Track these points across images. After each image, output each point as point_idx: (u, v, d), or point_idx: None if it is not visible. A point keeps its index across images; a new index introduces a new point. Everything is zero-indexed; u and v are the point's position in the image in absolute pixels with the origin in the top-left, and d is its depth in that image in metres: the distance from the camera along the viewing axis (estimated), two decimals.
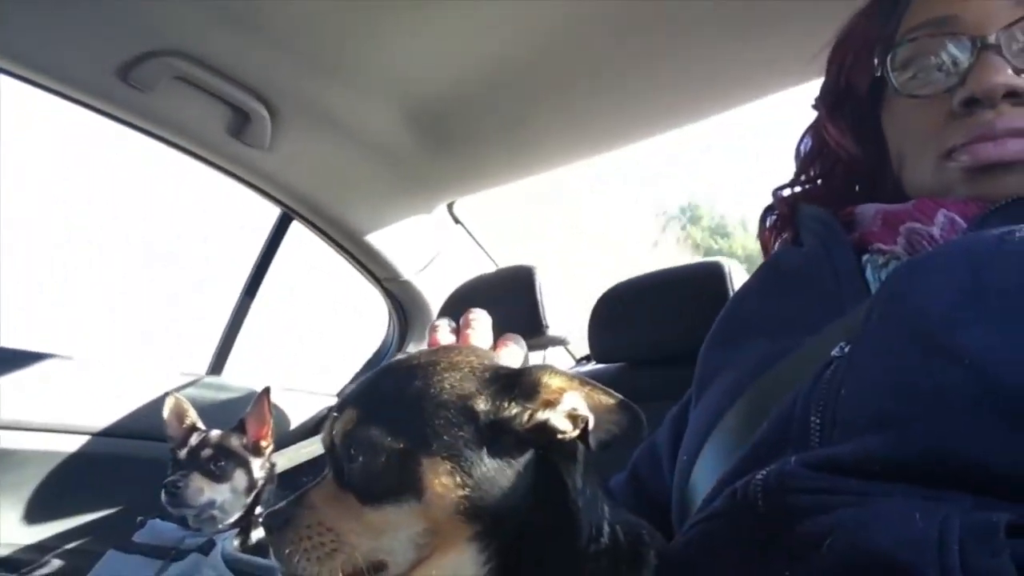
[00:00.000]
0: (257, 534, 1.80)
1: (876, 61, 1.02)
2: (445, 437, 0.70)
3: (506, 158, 2.35)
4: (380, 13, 1.71)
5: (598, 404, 0.73)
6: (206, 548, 1.57)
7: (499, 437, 0.71)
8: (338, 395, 2.89)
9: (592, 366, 2.18)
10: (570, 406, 0.73)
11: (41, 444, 2.18)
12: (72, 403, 2.26)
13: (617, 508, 0.81)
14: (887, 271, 0.91)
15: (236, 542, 1.63)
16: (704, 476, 0.93)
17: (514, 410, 0.72)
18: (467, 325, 0.92)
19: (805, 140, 1.19)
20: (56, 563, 2.05)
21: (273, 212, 2.64)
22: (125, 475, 2.30)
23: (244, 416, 1.94)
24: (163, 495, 1.76)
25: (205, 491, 1.78)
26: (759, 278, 1.13)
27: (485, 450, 0.70)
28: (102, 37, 1.83)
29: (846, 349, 0.79)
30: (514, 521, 0.71)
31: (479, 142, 2.27)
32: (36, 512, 2.19)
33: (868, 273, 0.92)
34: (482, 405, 0.72)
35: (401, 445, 0.70)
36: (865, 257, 0.95)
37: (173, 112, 2.04)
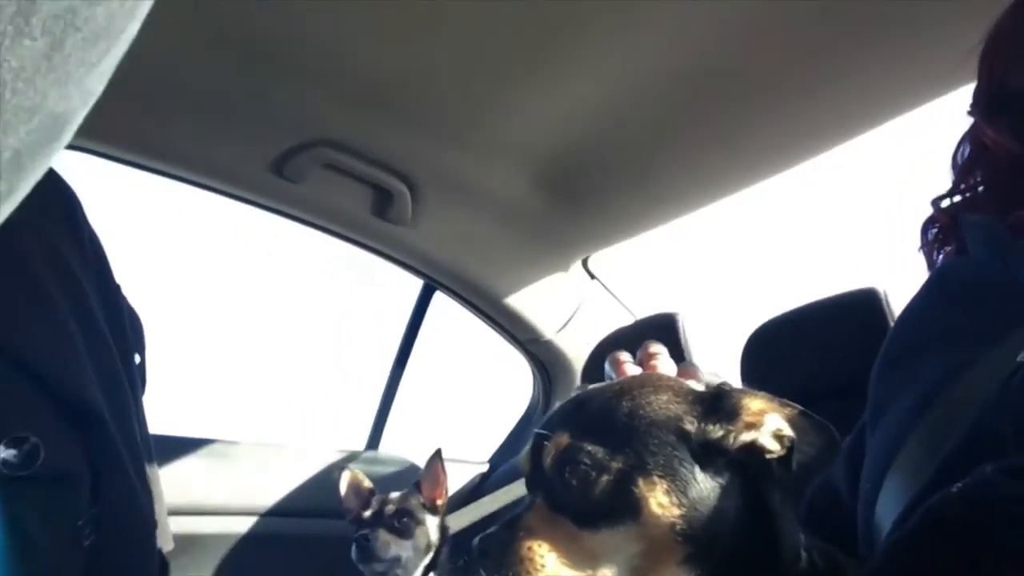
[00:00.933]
0: None
1: None
2: (660, 457, 0.70)
3: (635, 209, 2.36)
4: (509, 81, 1.78)
5: (796, 423, 0.73)
6: None
7: (710, 457, 0.72)
8: (489, 461, 2.92)
9: None
10: (775, 426, 0.73)
11: (213, 527, 2.31)
12: (241, 486, 2.41)
13: (812, 535, 0.79)
14: None
15: None
16: (891, 502, 0.88)
17: (720, 432, 0.72)
18: (650, 357, 0.92)
19: (962, 148, 1.14)
20: None
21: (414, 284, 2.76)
22: (294, 553, 2.40)
23: (419, 478, 2.02)
24: (354, 550, 1.84)
25: (392, 546, 1.85)
26: (926, 294, 1.07)
27: (698, 470, 0.71)
28: (257, 135, 2.00)
29: None
30: (723, 544, 0.70)
31: (607, 195, 2.29)
32: None
33: None
34: (690, 426, 0.73)
35: (618, 465, 0.70)
36: None
37: (322, 199, 2.19)
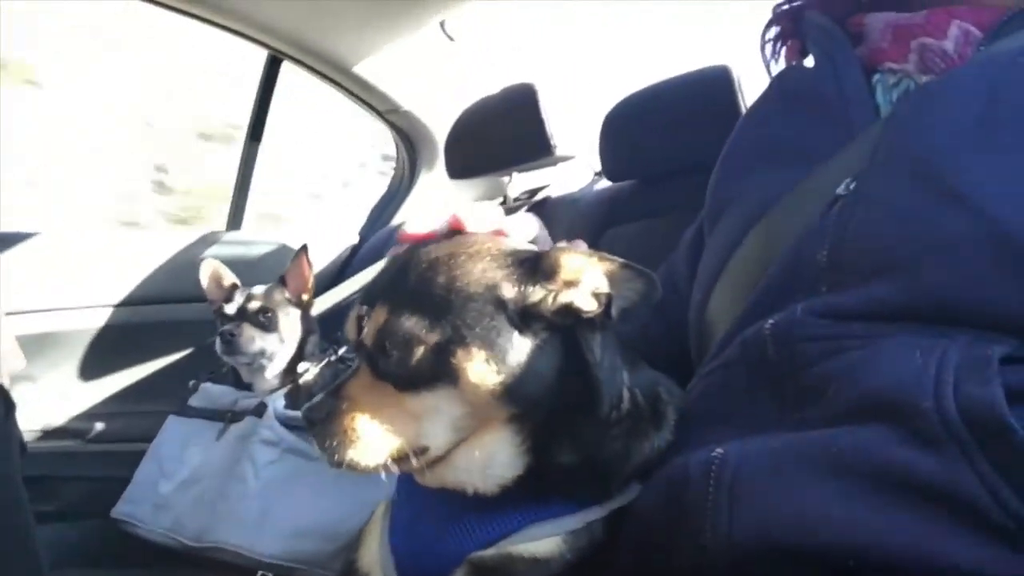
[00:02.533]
0: (306, 379, 1.90)
1: None
2: (477, 328, 0.71)
3: None
4: None
5: (615, 276, 0.73)
6: (259, 410, 1.66)
7: (527, 322, 0.73)
8: (359, 233, 2.91)
9: (605, 183, 2.14)
10: (592, 285, 0.73)
11: (82, 322, 2.26)
12: (100, 278, 2.33)
13: (635, 367, 0.83)
14: (898, 92, 0.85)
15: (282, 402, 1.72)
16: (717, 315, 0.94)
17: (539, 294, 0.73)
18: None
19: None
20: (113, 426, 2.21)
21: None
22: (165, 340, 2.40)
23: (284, 272, 2.01)
24: (218, 344, 1.86)
25: (256, 340, 1.88)
26: (765, 100, 1.07)
27: (515, 335, 0.72)
28: None
29: (851, 186, 0.77)
30: (545, 401, 0.74)
31: None
32: (88, 383, 2.32)
33: (878, 95, 0.86)
34: (508, 293, 0.73)
35: (436, 338, 0.71)
36: (875, 77, 0.88)
37: None
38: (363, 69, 2.50)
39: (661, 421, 0.82)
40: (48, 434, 2.20)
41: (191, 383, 1.93)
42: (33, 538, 1.22)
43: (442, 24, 2.53)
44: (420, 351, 0.71)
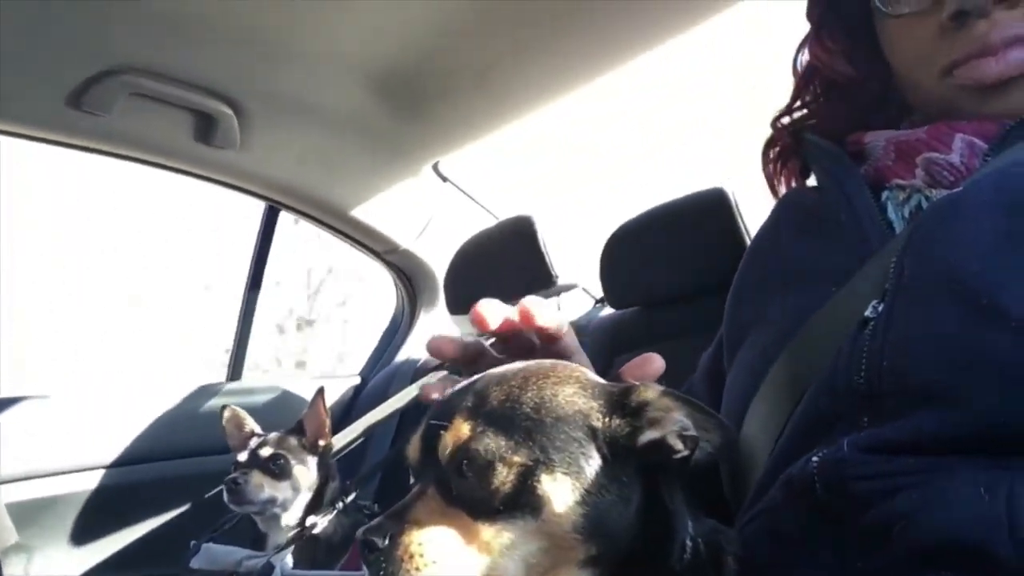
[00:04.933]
0: (322, 529, 1.82)
1: None
2: (566, 454, 0.66)
3: (479, 111, 2.25)
4: None
5: (696, 421, 0.69)
6: (265, 571, 1.58)
7: (616, 456, 0.68)
8: (360, 374, 2.88)
9: (608, 311, 2.14)
10: (679, 425, 0.69)
11: (79, 485, 2.19)
12: (100, 437, 2.26)
13: (698, 517, 0.79)
14: (910, 207, 0.85)
15: (291, 561, 1.64)
16: (755, 434, 0.90)
17: (627, 429, 0.69)
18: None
19: (801, 55, 1.11)
20: None
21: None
22: (167, 497, 2.32)
23: (301, 416, 1.97)
24: (225, 493, 1.79)
25: (265, 488, 1.82)
26: (774, 223, 1.07)
27: (603, 468, 0.67)
28: (44, 67, 1.75)
29: (880, 308, 0.75)
30: (623, 543, 0.68)
31: (449, 99, 2.17)
32: (81, 549, 2.21)
33: (890, 211, 0.86)
34: (597, 423, 0.69)
35: (521, 460, 0.66)
36: (884, 194, 0.88)
37: (135, 129, 1.97)
38: (360, 213, 2.54)
39: (722, 571, 0.76)
40: None
41: (192, 543, 1.84)
42: None
43: (435, 165, 2.61)
44: (504, 474, 0.65)
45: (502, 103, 2.22)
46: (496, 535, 0.66)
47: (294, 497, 1.87)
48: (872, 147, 0.92)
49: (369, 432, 2.13)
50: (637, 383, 0.73)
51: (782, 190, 1.12)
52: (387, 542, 0.66)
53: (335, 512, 1.81)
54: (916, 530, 0.60)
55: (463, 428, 0.68)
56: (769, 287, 0.97)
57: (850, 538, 0.66)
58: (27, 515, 2.05)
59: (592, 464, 0.67)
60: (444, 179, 2.65)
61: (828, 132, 1.01)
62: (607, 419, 0.69)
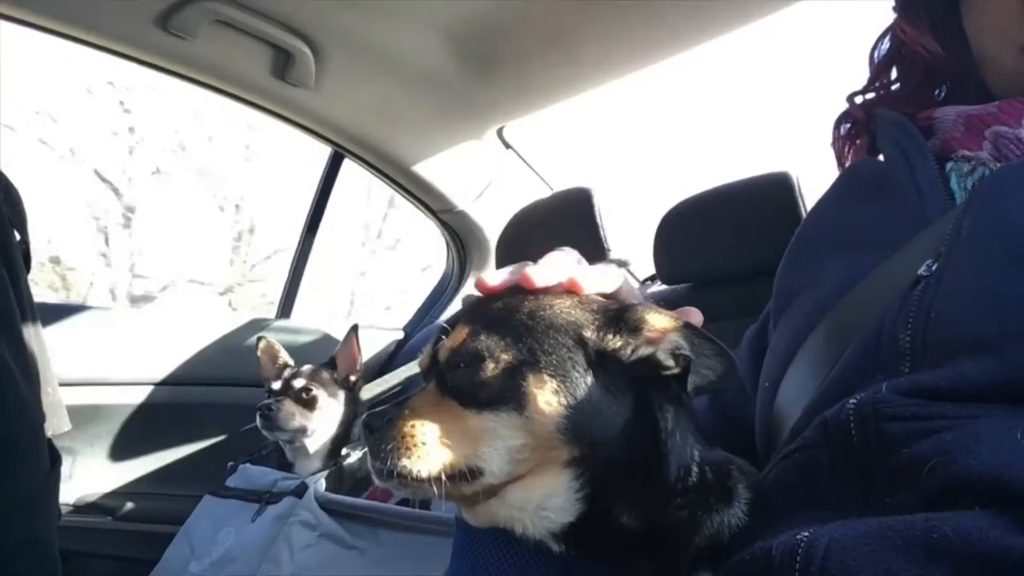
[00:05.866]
0: (350, 463, 1.87)
1: None
2: (554, 357, 0.71)
3: (550, 77, 2.27)
4: None
5: (697, 346, 0.72)
6: (299, 491, 1.62)
7: (605, 366, 0.72)
8: (404, 329, 2.93)
9: (658, 287, 2.14)
10: (674, 344, 0.72)
11: (126, 398, 2.27)
12: (153, 355, 2.35)
13: (709, 447, 0.80)
14: (973, 179, 0.85)
15: (323, 484, 1.68)
16: (790, 398, 0.90)
17: (619, 343, 0.72)
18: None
19: (880, 44, 1.12)
20: (145, 506, 2.18)
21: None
22: (209, 421, 2.39)
23: (335, 352, 2.02)
24: (258, 418, 1.85)
25: (296, 417, 1.88)
26: (836, 191, 1.07)
27: (591, 375, 0.71)
28: None
29: (934, 267, 0.75)
30: (608, 452, 0.72)
31: (524, 63, 2.19)
32: (124, 461, 2.30)
33: (953, 182, 0.87)
34: (590, 333, 0.72)
35: (509, 357, 0.71)
36: (949, 165, 0.89)
37: (216, 57, 2.03)
38: (421, 169, 2.58)
39: (731, 498, 0.78)
40: (79, 509, 2.17)
41: (230, 464, 1.91)
42: None
43: (500, 131, 2.62)
44: (491, 367, 0.71)
45: (572, 73, 2.23)
46: (481, 423, 0.71)
47: (323, 428, 1.92)
48: (942, 121, 0.93)
49: (404, 385, 2.20)
50: (642, 304, 0.75)
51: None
52: (386, 424, 0.72)
53: (364, 449, 1.85)
54: (947, 468, 0.61)
55: (462, 332, 0.75)
56: (822, 251, 0.98)
57: (879, 477, 0.67)
58: (75, 420, 2.13)
59: (578, 371, 0.71)
60: (507, 146, 2.67)
61: (901, 111, 1.02)
62: (600, 332, 0.73)
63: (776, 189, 1.68)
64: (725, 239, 1.76)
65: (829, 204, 1.08)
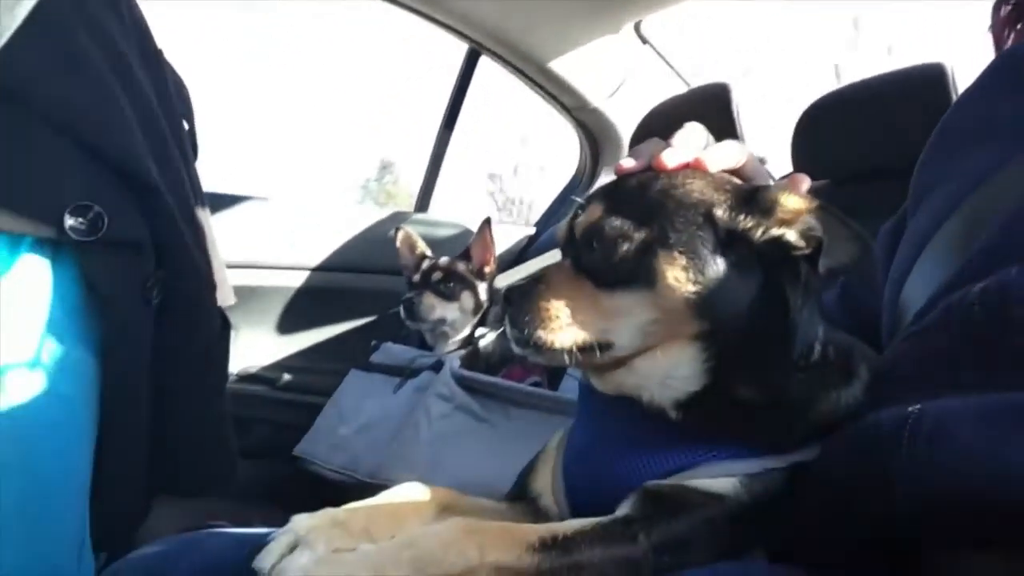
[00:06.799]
0: (484, 344, 1.99)
1: None
2: (684, 235, 0.74)
3: None
4: None
5: (832, 229, 0.72)
6: (436, 367, 1.76)
7: (734, 245, 0.74)
8: (536, 224, 2.99)
9: None
10: (805, 225, 0.73)
11: (282, 281, 2.48)
12: (294, 241, 2.52)
13: (833, 329, 0.82)
14: None
15: (458, 363, 1.81)
16: (917, 289, 0.90)
17: (750, 223, 0.74)
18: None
19: None
20: (301, 378, 2.39)
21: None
22: (354, 305, 2.57)
23: (469, 244, 2.11)
24: (401, 310, 1.99)
25: (436, 308, 2.01)
26: (989, 79, 1.01)
27: (719, 253, 0.74)
28: None
29: None
30: (736, 327, 0.75)
31: None
32: (281, 337, 2.52)
33: None
34: (721, 213, 0.75)
35: (641, 236, 0.74)
36: None
37: None
38: (557, 66, 2.57)
39: (852, 377, 0.80)
40: (242, 379, 2.42)
41: (373, 343, 2.07)
42: (232, 446, 1.37)
43: (637, 25, 2.56)
44: (624, 247, 0.74)
45: None
46: (613, 302, 0.75)
47: (461, 318, 2.03)
48: None
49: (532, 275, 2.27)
50: (777, 185, 0.76)
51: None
52: (524, 297, 0.78)
53: (501, 331, 1.96)
54: None
55: (596, 210, 0.78)
56: (963, 144, 0.95)
57: (1001, 360, 0.67)
58: (238, 298, 2.35)
59: (707, 248, 0.73)
60: (644, 41, 2.61)
61: None
62: (732, 212, 0.74)
63: (930, 81, 1.59)
64: (872, 134, 1.68)
65: (979, 94, 1.03)
